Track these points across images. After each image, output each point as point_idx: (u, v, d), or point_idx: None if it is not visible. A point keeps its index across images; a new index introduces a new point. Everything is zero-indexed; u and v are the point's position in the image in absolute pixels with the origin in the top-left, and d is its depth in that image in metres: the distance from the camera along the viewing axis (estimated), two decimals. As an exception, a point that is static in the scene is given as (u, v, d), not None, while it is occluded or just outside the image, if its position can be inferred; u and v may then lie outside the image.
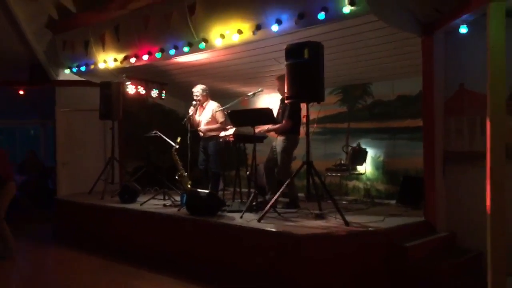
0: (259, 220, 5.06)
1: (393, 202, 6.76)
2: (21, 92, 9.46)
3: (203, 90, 7.02)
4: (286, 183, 5.33)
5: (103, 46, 7.17)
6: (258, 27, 5.42)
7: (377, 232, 4.67)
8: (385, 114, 7.30)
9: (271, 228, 4.77)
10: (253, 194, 5.64)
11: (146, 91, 8.09)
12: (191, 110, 6.89)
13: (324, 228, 4.77)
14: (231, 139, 6.14)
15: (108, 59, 7.33)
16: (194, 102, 6.94)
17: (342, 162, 7.32)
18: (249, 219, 5.21)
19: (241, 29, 5.56)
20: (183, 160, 6.59)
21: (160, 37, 6.48)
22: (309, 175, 5.18)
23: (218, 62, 7.20)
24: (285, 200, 6.22)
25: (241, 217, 5.34)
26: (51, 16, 7.81)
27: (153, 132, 6.77)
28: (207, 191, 5.68)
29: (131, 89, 7.86)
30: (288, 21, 5.20)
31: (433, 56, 5.17)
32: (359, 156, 7.22)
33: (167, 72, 8.14)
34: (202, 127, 7.04)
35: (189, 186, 6.37)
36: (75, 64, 8.01)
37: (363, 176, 7.42)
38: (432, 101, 5.21)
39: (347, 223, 4.79)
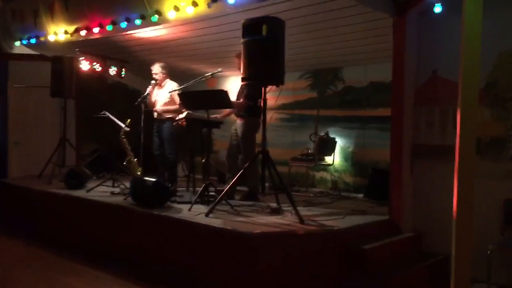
0: (207, 214, 4.57)
1: (361, 196, 6.34)
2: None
3: (162, 68, 6.50)
4: (239, 173, 4.84)
5: (51, 16, 6.53)
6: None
7: (333, 232, 4.20)
8: (357, 101, 6.83)
9: (216, 224, 4.28)
10: (204, 184, 5.13)
11: (102, 68, 7.46)
12: (148, 89, 6.35)
13: (276, 225, 4.29)
14: (184, 123, 5.59)
15: (58, 31, 6.70)
16: (152, 81, 6.40)
17: (310, 151, 6.85)
18: (198, 212, 4.72)
19: (196, 1, 4.99)
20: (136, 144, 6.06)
21: (111, 7, 5.89)
22: (264, 165, 4.67)
23: (180, 39, 6.66)
24: (245, 191, 5.76)
25: (189, 210, 4.86)
26: (-1, -18, 7.14)
27: (102, 112, 6.19)
28: (153, 179, 5.15)
29: (84, 65, 7.24)
30: (245, -8, 4.64)
31: (405, 39, 4.68)
32: (327, 146, 6.75)
33: (127, 49, 7.55)
34: (158, 107, 6.51)
35: (138, 173, 5.84)
36: (26, 36, 7.35)
37: (331, 168, 6.96)
38: (402, 89, 4.74)
39: (302, 221, 4.32)
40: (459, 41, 3.68)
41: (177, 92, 5.93)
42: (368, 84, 6.71)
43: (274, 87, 4.72)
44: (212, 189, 5.23)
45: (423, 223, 4.80)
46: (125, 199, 5.43)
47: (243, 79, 4.62)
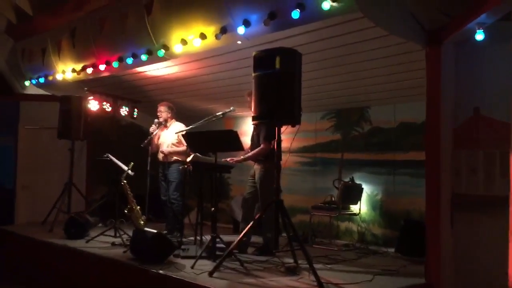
0: (210, 273, 3.94)
1: (392, 250, 5.58)
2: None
3: (168, 108, 6.10)
4: (250, 224, 4.22)
5: (59, 54, 6.21)
6: (223, 30, 4.39)
7: (359, 301, 3.49)
8: (385, 144, 6.15)
9: (218, 287, 3.63)
10: (210, 237, 4.52)
11: (113, 108, 7.07)
12: (151, 129, 5.90)
13: (290, 291, 3.61)
14: (190, 167, 5.05)
15: (66, 70, 6.37)
16: (156, 120, 5.96)
17: (333, 199, 6.17)
18: (202, 270, 4.10)
19: (204, 32, 4.53)
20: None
21: (117, 43, 5.52)
22: (277, 216, 4.04)
23: (191, 77, 6.26)
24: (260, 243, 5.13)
25: (192, 267, 4.24)
26: (10, 20, 6.92)
27: (105, 155, 5.72)
28: (154, 230, 4.57)
29: (94, 105, 6.86)
30: (257, 23, 4.15)
31: (441, 72, 4.06)
32: (353, 193, 6.07)
33: (139, 88, 7.18)
34: (165, 148, 6.02)
35: (141, 222, 5.29)
36: (35, 75, 7.08)
37: (357, 217, 6.23)
38: (438, 130, 4.07)
39: (321, 286, 3.63)
40: (506, 73, 3.11)
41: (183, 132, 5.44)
42: (398, 125, 6.06)
43: (289, 127, 4.16)
44: (220, 242, 4.61)
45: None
46: (124, 252, 4.87)
47: (253, 118, 4.06)
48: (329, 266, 4.64)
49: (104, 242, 5.47)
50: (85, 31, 5.83)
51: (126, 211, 5.35)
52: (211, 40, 4.53)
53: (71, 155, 6.89)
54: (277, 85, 3.90)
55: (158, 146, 6.24)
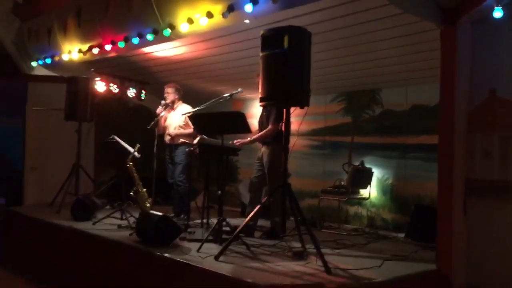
0: (216, 257, 3.87)
1: (402, 236, 5.47)
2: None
3: (175, 90, 5.99)
4: (257, 207, 4.13)
5: (65, 34, 6.11)
6: (230, 8, 4.25)
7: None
8: (396, 127, 6.02)
9: (224, 270, 3.56)
10: (217, 221, 4.45)
11: (120, 90, 6.95)
12: (158, 111, 5.81)
13: (296, 275, 3.53)
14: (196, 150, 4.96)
15: (73, 50, 6.27)
16: (163, 102, 5.87)
17: (342, 183, 6.06)
18: (208, 253, 4.03)
19: (211, 11, 4.40)
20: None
21: (123, 23, 5.40)
22: (285, 200, 3.94)
23: (200, 58, 6.13)
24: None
25: (198, 250, 4.17)
26: (17, 0, 6.83)
27: (111, 137, 5.65)
28: (160, 213, 4.50)
29: (100, 86, 6.74)
30: (265, 0, 4.00)
31: (455, 52, 3.90)
32: (362, 177, 5.96)
33: (147, 70, 7.08)
34: (172, 131, 5.93)
35: (147, 205, 5.23)
36: (42, 56, 7.00)
37: (367, 202, 6.13)
38: (452, 112, 3.93)
39: (328, 271, 3.54)
40: (525, 53, 2.95)
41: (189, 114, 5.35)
42: (410, 108, 5.91)
43: (298, 109, 4.05)
44: (227, 225, 4.54)
45: (480, 277, 3.93)
46: (130, 234, 4.81)
47: (261, 100, 3.94)
48: (337, 250, 4.55)
49: (110, 225, 5.42)
50: (91, 11, 5.73)
51: (132, 194, 5.28)
52: (218, 19, 4.39)
53: (78, 137, 6.83)
54: (285, 65, 3.76)
55: (164, 128, 6.16)
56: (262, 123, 5.04)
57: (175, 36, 4.88)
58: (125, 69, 7.07)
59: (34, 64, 7.28)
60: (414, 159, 5.83)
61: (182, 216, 5.98)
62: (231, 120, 4.31)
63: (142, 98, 7.47)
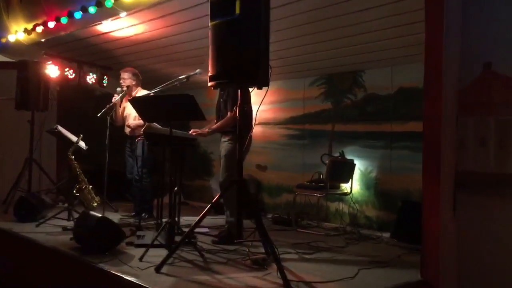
0: (157, 269, 3.22)
1: (387, 236, 4.85)
2: None
3: (133, 75, 5.35)
4: (206, 209, 3.47)
5: (7, 11, 5.42)
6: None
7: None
8: (381, 113, 5.36)
9: (160, 287, 2.91)
10: (165, 222, 3.80)
11: (77, 75, 6.29)
12: (114, 100, 5.14)
13: (248, 293, 2.88)
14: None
15: (19, 30, 5.59)
16: (119, 89, 5.19)
17: (322, 177, 5.41)
18: (151, 263, 3.39)
19: (154, -25, 3.73)
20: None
21: (66, -5, 4.72)
22: (240, 199, 3.30)
23: (162, 39, 5.56)
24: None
25: (140, 259, 3.52)
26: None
27: (54, 127, 4.99)
28: (98, 215, 3.84)
29: (53, 70, 6.08)
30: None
31: (443, 19, 3.21)
32: (342, 170, 5.31)
33: (109, 53, 6.42)
34: (131, 122, 5.27)
35: (94, 204, 4.58)
36: (-11, 38, 6.29)
37: (349, 197, 5.47)
38: (439, 92, 3.25)
39: (288, 286, 2.89)
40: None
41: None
42: (396, 91, 5.24)
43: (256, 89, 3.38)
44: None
45: (473, 287, 3.29)
46: (71, 239, 4.14)
47: (210, 79, 3.27)
48: (308, 256, 3.91)
49: (56, 226, 4.80)
50: (32, -17, 5.04)
51: (75, 191, 4.62)
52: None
53: (31, 128, 6.15)
54: (237, 36, 3.11)
55: (124, 119, 5.51)
56: (220, 110, 4.37)
57: (119, 7, 4.22)
58: (85, 53, 6.43)
59: (-22, 47, 6.58)
60: (402, 148, 5.18)
61: (143, 214, 5.34)
62: (178, 104, 3.63)
63: (104, 84, 6.85)
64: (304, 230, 5.15)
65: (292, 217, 5.39)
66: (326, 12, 4.17)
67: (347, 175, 5.34)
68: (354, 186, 5.40)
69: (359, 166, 5.43)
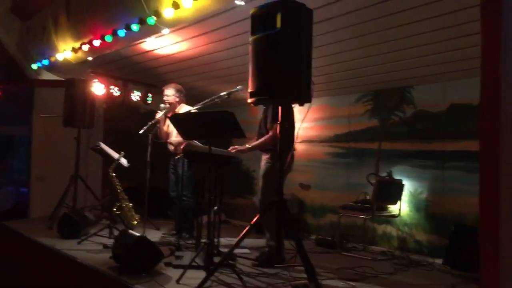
0: (193, 292, 3.11)
1: (439, 262, 4.53)
2: (-2, 93, 8.07)
3: (176, 91, 5.30)
4: (245, 230, 3.33)
5: (56, 30, 5.55)
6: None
7: None
8: (432, 131, 5.07)
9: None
10: (203, 244, 3.68)
11: (122, 93, 6.36)
12: (158, 116, 5.12)
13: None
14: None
15: (67, 49, 5.71)
16: (162, 105, 5.17)
17: (368, 197, 5.16)
18: (188, 286, 3.29)
19: (196, -10, 3.68)
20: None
21: (110, 13, 4.76)
22: (279, 221, 3.14)
23: (205, 55, 5.43)
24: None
25: (177, 281, 3.42)
26: (13, -3, 6.37)
27: (96, 144, 5.01)
28: (137, 234, 3.77)
29: (99, 88, 6.16)
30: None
31: (501, 32, 2.96)
32: (390, 191, 5.03)
33: (153, 71, 6.43)
34: (173, 139, 5.23)
35: (134, 222, 4.53)
36: (40, 57, 6.48)
37: (397, 220, 5.18)
38: (497, 109, 2.98)
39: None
40: None
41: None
42: (448, 108, 4.95)
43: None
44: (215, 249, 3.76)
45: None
46: (111, 257, 4.10)
47: (250, 95, 3.16)
48: (353, 283, 3.68)
49: (97, 244, 4.78)
50: (79, 3, 5.13)
51: (115, 209, 4.59)
52: (203, 2, 3.66)
53: (77, 145, 6.24)
54: (278, 50, 2.99)
55: (168, 135, 5.48)
56: (261, 127, 4.23)
57: (161, 24, 4.17)
58: (130, 71, 6.47)
59: (34, 66, 6.80)
60: (454, 169, 4.86)
61: (184, 234, 5.26)
62: (217, 121, 3.53)
63: (148, 102, 6.88)
64: (349, 254, 4.91)
65: (337, 239, 5.16)
66: (373, 25, 3.97)
67: (395, 196, 5.06)
68: (402, 208, 5.11)
69: (408, 186, 5.14)
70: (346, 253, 4.93)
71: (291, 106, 3.96)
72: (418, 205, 5.12)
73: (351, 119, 5.81)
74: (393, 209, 5.11)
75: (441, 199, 4.94)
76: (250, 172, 7.18)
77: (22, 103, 8.05)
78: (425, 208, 5.06)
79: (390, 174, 5.18)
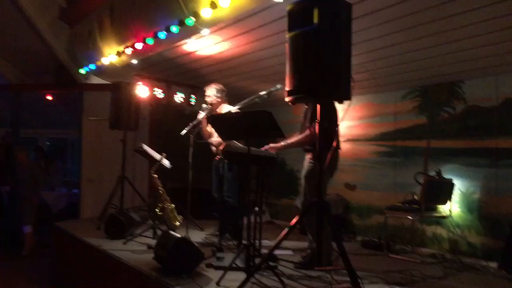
0: (233, 294, 3.06)
1: (494, 265, 4.28)
2: (49, 98, 8.37)
3: (217, 91, 5.27)
4: (286, 231, 3.25)
5: (100, 35, 5.67)
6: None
7: None
8: (484, 127, 4.82)
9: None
10: (242, 246, 3.63)
11: (166, 95, 6.43)
12: (200, 116, 5.12)
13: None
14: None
15: (112, 53, 5.83)
16: (204, 105, 5.16)
17: (416, 197, 4.95)
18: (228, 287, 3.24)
19: (234, -10, 3.64)
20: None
21: (151, 16, 4.80)
22: (320, 222, 3.04)
23: (246, 55, 5.47)
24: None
25: (217, 283, 3.38)
26: (61, 4, 6.57)
27: (139, 146, 5.06)
28: (178, 235, 3.77)
29: (143, 91, 6.25)
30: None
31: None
32: (440, 191, 4.81)
33: (195, 73, 6.49)
34: (214, 139, 5.21)
35: (177, 223, 4.54)
36: (88, 62, 6.66)
37: (448, 221, 4.94)
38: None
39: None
40: None
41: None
42: (501, 103, 4.68)
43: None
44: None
45: None
46: (153, 258, 4.13)
47: (287, 94, 3.08)
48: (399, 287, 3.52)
49: (142, 244, 4.84)
50: (122, 6, 5.22)
51: (157, 210, 4.62)
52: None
53: (123, 147, 6.36)
54: (316, 47, 2.89)
55: (210, 135, 5.48)
56: (302, 127, 4.13)
57: (200, 24, 4.17)
58: (173, 73, 6.56)
59: (82, 71, 6.99)
60: (509, 167, 4.59)
61: (227, 235, 5.24)
62: (255, 121, 3.46)
63: (192, 103, 6.93)
64: (396, 256, 4.73)
65: (384, 241, 4.98)
66: (421, 17, 3.79)
67: (446, 196, 4.84)
68: (453, 209, 4.87)
69: (459, 186, 4.90)
70: (393, 255, 4.75)
71: (333, 104, 3.85)
72: (470, 206, 4.86)
73: (397, 117, 5.61)
74: (443, 209, 4.88)
75: (495, 199, 4.68)
76: (294, 173, 7.10)
77: (73, 107, 8.33)
78: (478, 208, 4.81)
79: (439, 173, 4.95)
